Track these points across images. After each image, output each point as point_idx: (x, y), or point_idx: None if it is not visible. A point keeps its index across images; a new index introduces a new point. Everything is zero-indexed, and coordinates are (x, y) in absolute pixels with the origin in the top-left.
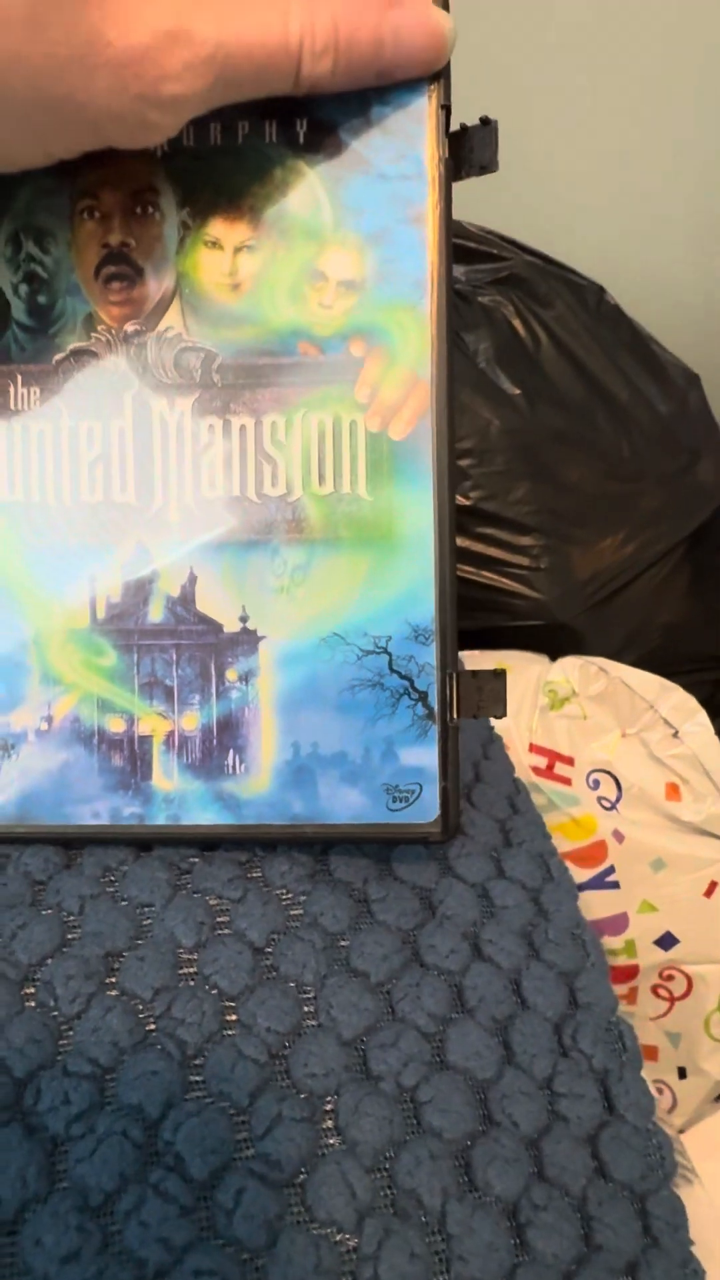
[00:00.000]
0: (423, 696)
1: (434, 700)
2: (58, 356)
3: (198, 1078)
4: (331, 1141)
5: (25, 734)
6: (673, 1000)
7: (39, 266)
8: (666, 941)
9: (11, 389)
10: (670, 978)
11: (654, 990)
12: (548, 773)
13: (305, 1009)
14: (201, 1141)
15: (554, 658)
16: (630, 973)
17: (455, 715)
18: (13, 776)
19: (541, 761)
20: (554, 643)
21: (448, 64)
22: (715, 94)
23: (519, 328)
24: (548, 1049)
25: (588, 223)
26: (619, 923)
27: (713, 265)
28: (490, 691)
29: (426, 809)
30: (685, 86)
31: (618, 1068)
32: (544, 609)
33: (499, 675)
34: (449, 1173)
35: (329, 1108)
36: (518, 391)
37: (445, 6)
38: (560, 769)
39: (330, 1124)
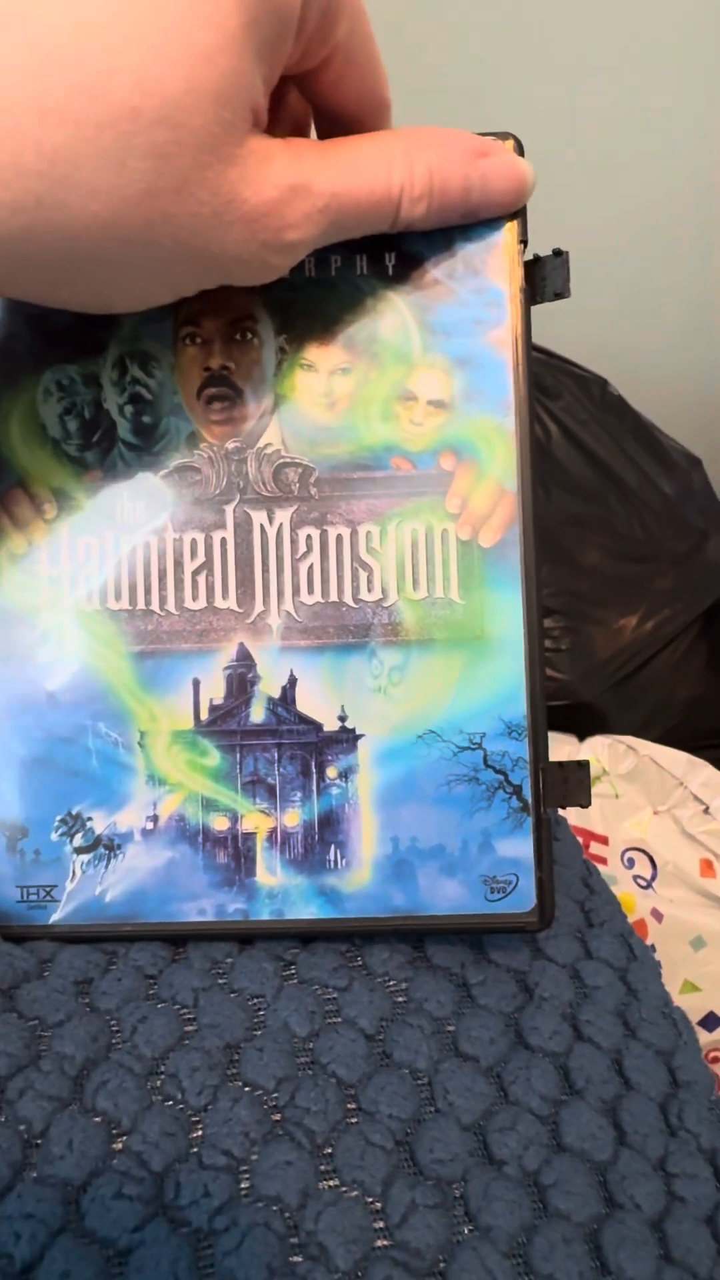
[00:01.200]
0: (517, 790)
1: (528, 793)
2: (162, 472)
3: (328, 1167)
4: (465, 1228)
5: (132, 833)
6: None
7: (144, 389)
8: (710, 1022)
9: (119, 503)
10: (716, 1060)
11: None
12: (583, 853)
13: (422, 1095)
14: (343, 1231)
15: (580, 737)
16: None
17: (545, 806)
18: (120, 875)
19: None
20: (578, 722)
21: (525, 204)
22: (705, 200)
23: None
24: (657, 1129)
25: (589, 320)
26: None
27: (706, 356)
28: (576, 781)
29: (524, 899)
30: (678, 199)
31: None
32: (568, 689)
33: (583, 765)
34: (583, 1257)
35: (458, 1193)
36: None
37: (521, 154)
38: (595, 849)
39: (462, 1210)
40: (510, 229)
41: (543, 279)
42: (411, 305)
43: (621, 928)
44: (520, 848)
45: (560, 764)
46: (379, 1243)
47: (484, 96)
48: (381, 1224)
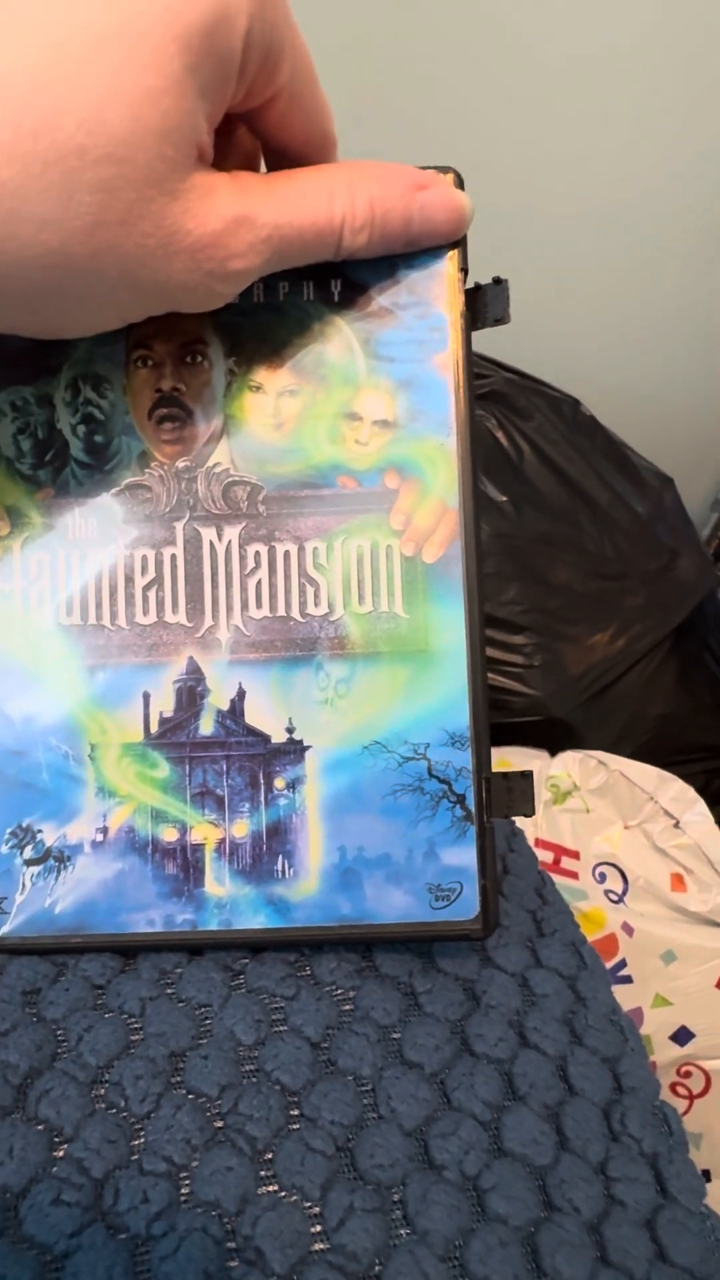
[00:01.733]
0: (460, 799)
1: (471, 802)
2: (113, 490)
3: (268, 1172)
4: (403, 1231)
5: (81, 845)
6: (692, 1098)
7: (96, 409)
8: (682, 1036)
9: (71, 520)
10: (688, 1074)
11: (672, 1088)
12: (554, 867)
13: (365, 1101)
14: (280, 1235)
15: (553, 753)
16: None
17: (489, 816)
18: (69, 887)
19: (548, 856)
20: (551, 738)
21: (465, 234)
22: (673, 226)
23: (502, 439)
24: (599, 1134)
25: (561, 342)
26: (634, 1018)
27: (679, 376)
28: (519, 792)
29: (468, 906)
30: (645, 225)
31: (667, 1150)
32: (540, 705)
33: (526, 776)
34: (519, 1259)
35: (397, 1198)
36: (505, 498)
37: (461, 187)
38: (567, 863)
39: (399, 1214)
40: (451, 258)
41: (484, 305)
42: (357, 330)
43: (573, 936)
44: (464, 856)
45: (504, 774)
46: (316, 1246)
47: (449, 130)
48: (319, 1228)
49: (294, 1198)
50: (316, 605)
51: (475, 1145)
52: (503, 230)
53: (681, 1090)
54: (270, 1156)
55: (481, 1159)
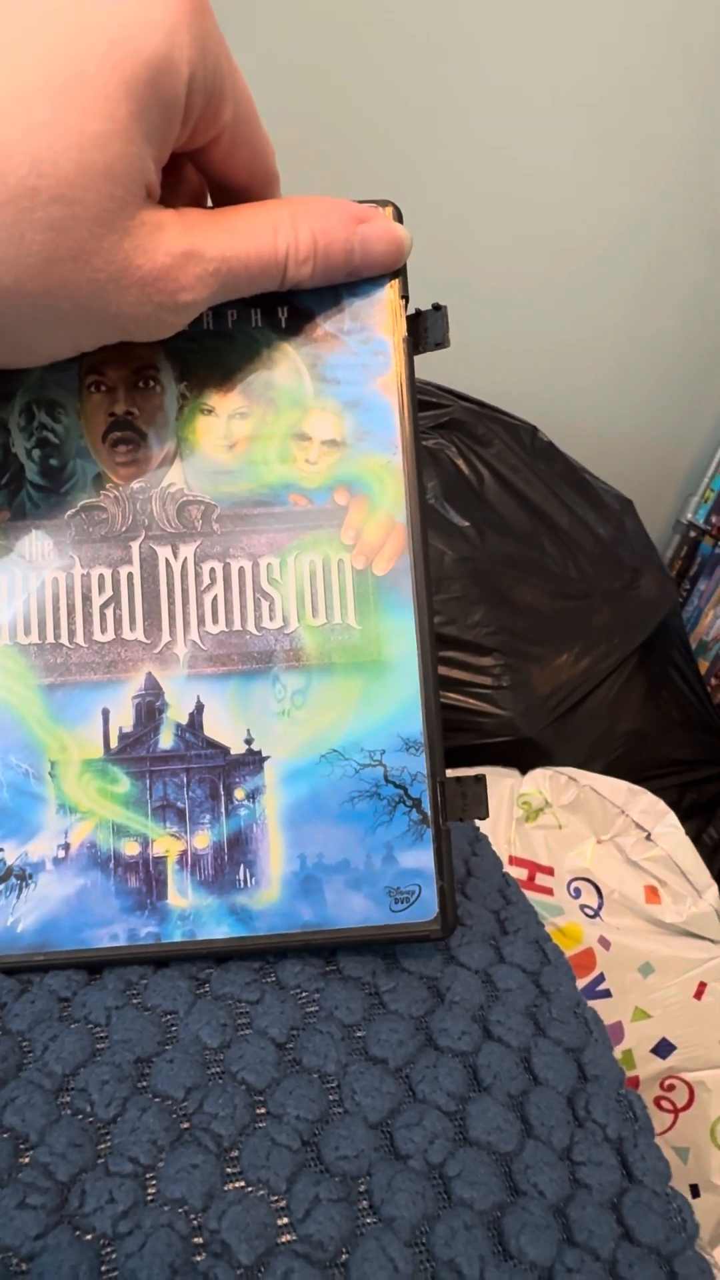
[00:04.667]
0: (416, 803)
1: (427, 806)
2: (69, 512)
3: (234, 1169)
4: (369, 1220)
5: (43, 863)
6: (676, 1112)
7: (50, 434)
8: (663, 1049)
9: (27, 542)
10: (671, 1087)
11: (656, 1103)
12: (529, 884)
13: (330, 1097)
14: (246, 1228)
15: (524, 772)
16: (631, 1086)
17: (445, 819)
18: (32, 905)
19: (523, 874)
20: (522, 758)
21: (405, 264)
22: (626, 257)
23: (463, 466)
24: (563, 1121)
25: (518, 371)
26: (615, 1033)
27: (635, 401)
28: (473, 795)
29: (426, 908)
30: (600, 258)
31: (632, 1135)
32: (510, 725)
33: (479, 780)
34: (484, 1241)
35: (363, 1188)
36: (467, 523)
37: (400, 220)
38: (541, 880)
39: (366, 1203)
40: (393, 286)
41: (424, 330)
42: (304, 354)
43: (536, 934)
44: (421, 859)
45: (457, 778)
46: (283, 1238)
47: (417, 170)
48: (285, 1220)
49: (260, 1192)
50: (271, 619)
51: (440, 1134)
52: (456, 262)
53: (666, 1104)
54: (236, 1153)
55: (446, 1147)
